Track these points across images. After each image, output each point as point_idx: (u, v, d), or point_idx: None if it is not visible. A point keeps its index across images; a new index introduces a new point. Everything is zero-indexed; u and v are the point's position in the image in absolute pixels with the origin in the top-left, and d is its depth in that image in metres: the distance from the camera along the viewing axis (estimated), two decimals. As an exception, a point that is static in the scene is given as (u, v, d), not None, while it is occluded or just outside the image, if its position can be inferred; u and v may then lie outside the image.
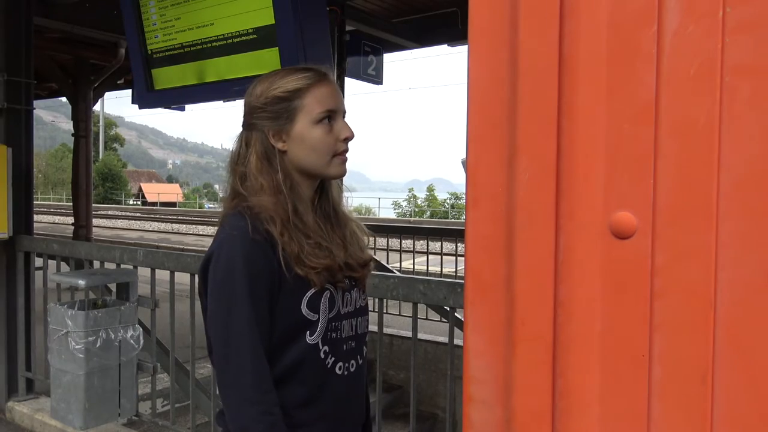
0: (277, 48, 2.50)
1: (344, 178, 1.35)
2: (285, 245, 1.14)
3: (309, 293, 1.17)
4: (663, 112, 0.46)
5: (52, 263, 3.87)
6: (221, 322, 1.14)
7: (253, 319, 1.12)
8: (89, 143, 7.18)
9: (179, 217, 22.93)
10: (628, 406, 0.48)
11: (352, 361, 1.26)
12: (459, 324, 3.02)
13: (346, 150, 1.23)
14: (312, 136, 1.19)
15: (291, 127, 1.20)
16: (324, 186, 1.28)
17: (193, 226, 19.16)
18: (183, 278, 3.01)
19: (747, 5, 0.44)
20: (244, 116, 1.25)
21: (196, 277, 1.29)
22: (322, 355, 1.19)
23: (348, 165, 1.25)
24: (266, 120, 1.21)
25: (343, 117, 1.24)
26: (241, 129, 1.26)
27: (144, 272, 3.23)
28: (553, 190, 0.50)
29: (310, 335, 1.18)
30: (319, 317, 1.18)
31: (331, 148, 1.20)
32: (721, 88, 0.45)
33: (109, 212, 26.40)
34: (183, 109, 3.27)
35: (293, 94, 1.20)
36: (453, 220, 27.19)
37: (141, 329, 3.26)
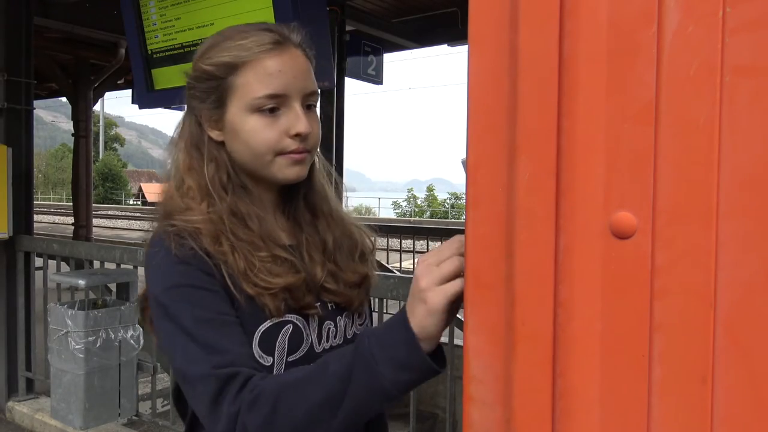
0: (277, 48, 2.50)
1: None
2: (227, 258, 0.85)
3: (264, 326, 0.86)
4: (663, 112, 0.46)
5: (52, 263, 3.87)
6: (166, 336, 0.85)
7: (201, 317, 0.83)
8: (89, 143, 7.17)
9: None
10: (628, 406, 0.48)
11: None
12: (459, 324, 3.01)
13: (300, 149, 0.90)
14: (244, 129, 0.89)
15: (223, 114, 0.91)
16: (296, 186, 0.97)
17: (193, 226, 19.12)
18: (183, 278, 3.00)
19: (747, 5, 0.44)
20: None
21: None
22: None
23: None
24: (196, 100, 0.94)
25: (305, 102, 0.92)
26: None
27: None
28: (553, 190, 0.50)
29: None
30: (273, 361, 0.87)
31: (271, 145, 0.89)
32: (721, 88, 0.45)
33: (109, 212, 26.40)
34: (183, 109, 3.27)
35: (225, 69, 0.89)
36: (453, 220, 27.20)
37: (141, 329, 3.26)
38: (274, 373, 0.86)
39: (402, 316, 0.72)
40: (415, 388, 0.74)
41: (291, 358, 0.88)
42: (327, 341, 0.93)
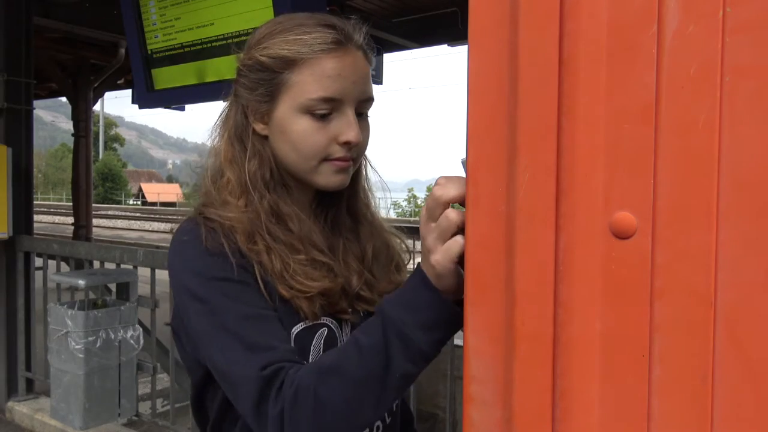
0: (277, 48, 2.50)
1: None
2: (262, 258, 0.83)
3: (297, 328, 0.84)
4: (663, 112, 0.46)
5: (52, 263, 3.87)
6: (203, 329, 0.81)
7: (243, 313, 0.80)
8: (89, 143, 7.17)
9: (179, 217, 22.82)
10: (628, 406, 0.48)
11: (377, 423, 0.91)
12: (459, 324, 3.02)
13: (346, 158, 0.87)
14: (293, 129, 0.85)
15: (272, 109, 0.86)
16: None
17: (193, 226, 19.09)
18: (183, 278, 3.00)
19: (747, 5, 0.44)
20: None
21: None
22: None
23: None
24: (245, 89, 0.89)
25: (359, 109, 0.88)
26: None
27: (144, 272, 3.23)
28: (553, 190, 0.50)
29: None
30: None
31: (320, 149, 0.85)
32: (721, 88, 0.45)
33: (109, 212, 26.39)
34: (183, 109, 3.27)
35: (282, 63, 0.84)
36: (453, 220, 27.08)
37: (141, 329, 3.26)
38: None
39: (421, 276, 0.70)
40: (448, 341, 0.72)
41: None
42: None
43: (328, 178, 0.87)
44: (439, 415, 4.70)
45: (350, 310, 0.90)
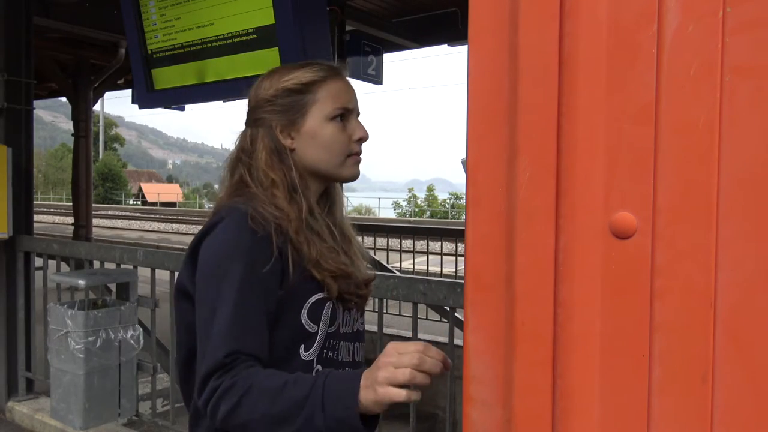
0: (277, 48, 2.50)
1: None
2: (300, 246, 1.05)
3: (312, 299, 1.07)
4: (663, 112, 0.46)
5: (52, 263, 3.87)
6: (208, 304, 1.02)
7: (244, 304, 1.00)
8: (89, 143, 7.17)
9: (179, 217, 22.92)
10: (628, 406, 0.48)
11: None
12: (459, 324, 3.02)
13: (360, 151, 1.16)
14: (324, 133, 1.12)
15: (302, 123, 1.13)
16: (330, 194, 1.21)
17: (193, 226, 19.15)
18: (183, 278, 2.99)
19: (747, 5, 0.44)
20: (249, 112, 1.17)
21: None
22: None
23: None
24: (274, 114, 1.14)
25: (357, 117, 1.18)
26: (244, 127, 1.18)
27: (144, 272, 3.24)
28: (553, 190, 0.50)
29: (306, 350, 1.06)
30: (318, 329, 1.07)
31: (345, 147, 1.13)
32: (721, 88, 0.45)
33: (109, 212, 26.38)
34: (183, 109, 3.27)
35: (306, 87, 1.13)
36: (453, 220, 27.18)
37: (141, 329, 3.26)
38: (317, 339, 1.07)
39: (357, 384, 0.89)
40: None
41: (330, 330, 1.09)
42: (345, 326, 1.13)
43: (351, 170, 1.16)
44: (439, 415, 4.70)
45: (354, 294, 1.12)
